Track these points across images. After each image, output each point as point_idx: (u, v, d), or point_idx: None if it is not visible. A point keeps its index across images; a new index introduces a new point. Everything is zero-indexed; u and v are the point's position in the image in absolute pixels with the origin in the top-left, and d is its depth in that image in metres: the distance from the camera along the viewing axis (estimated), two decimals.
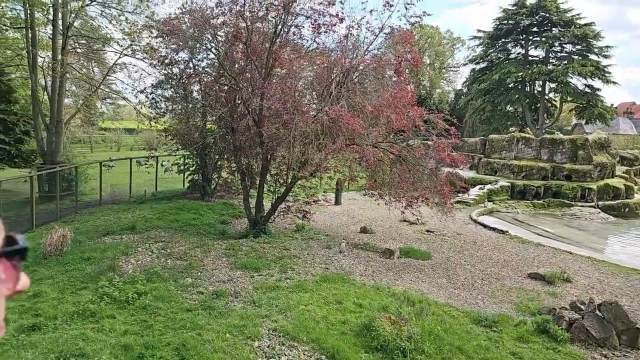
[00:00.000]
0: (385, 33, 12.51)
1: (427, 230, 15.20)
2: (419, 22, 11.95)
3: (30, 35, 22.45)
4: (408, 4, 12.12)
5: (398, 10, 12.02)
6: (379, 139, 12.71)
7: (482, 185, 25.12)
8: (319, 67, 13.37)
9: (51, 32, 23.28)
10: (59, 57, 22.02)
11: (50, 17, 22.97)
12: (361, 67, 11.49)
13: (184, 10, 18.88)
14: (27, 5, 21.58)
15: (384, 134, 12.97)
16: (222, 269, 10.25)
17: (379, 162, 12.59)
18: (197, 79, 18.86)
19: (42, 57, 24.76)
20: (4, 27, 25.68)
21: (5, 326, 0.97)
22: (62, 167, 18.73)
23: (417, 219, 15.78)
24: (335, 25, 13.01)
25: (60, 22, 22.77)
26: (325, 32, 13.27)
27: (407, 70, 13.32)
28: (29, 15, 22.15)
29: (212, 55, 19.12)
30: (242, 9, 13.53)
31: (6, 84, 25.16)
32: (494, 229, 16.31)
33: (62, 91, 22.74)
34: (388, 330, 7.24)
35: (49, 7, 22.67)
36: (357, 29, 12.33)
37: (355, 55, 12.19)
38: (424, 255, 12.22)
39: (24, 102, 27.53)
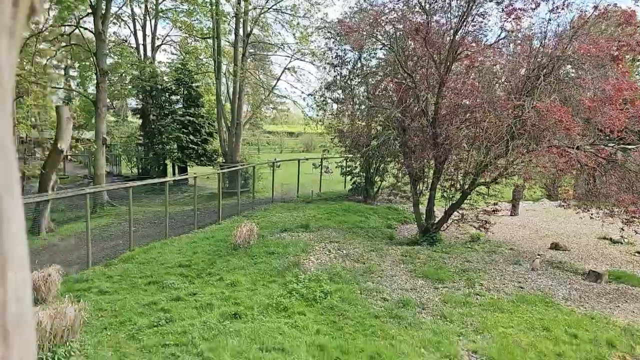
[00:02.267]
0: (596, 15, 10.61)
1: (638, 252, 12.61)
2: None
3: (215, 44, 25.02)
4: None
5: None
6: (582, 140, 10.83)
7: None
8: (511, 58, 11.98)
9: (233, 40, 25.66)
10: (239, 63, 24.08)
11: (233, 26, 25.33)
12: (571, 54, 9.78)
13: (355, 9, 19.06)
14: (214, 17, 23.99)
15: (588, 134, 11.05)
16: (402, 276, 9.69)
17: (582, 168, 10.76)
18: (364, 80, 18.80)
19: (224, 64, 27.49)
20: (193, 39, 29.22)
21: None
22: (242, 166, 20.33)
23: (622, 237, 13.28)
24: (533, 9, 11.53)
25: (241, 30, 24.92)
26: (518, 17, 11.86)
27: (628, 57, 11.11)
28: (214, 26, 24.68)
29: (380, 55, 19.00)
30: (421, 1, 12.87)
31: (195, 90, 28.52)
32: None
33: (241, 95, 24.86)
34: None
35: (232, 17, 24.99)
36: (563, 10, 10.62)
37: (560, 42, 10.54)
38: None
39: (208, 107, 30.96)
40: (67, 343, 5.82)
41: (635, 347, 6.54)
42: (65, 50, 27.69)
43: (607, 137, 10.98)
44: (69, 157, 43.06)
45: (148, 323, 7.01)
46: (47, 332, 5.54)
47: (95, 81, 22.21)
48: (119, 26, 49.54)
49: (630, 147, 10.42)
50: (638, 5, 9.99)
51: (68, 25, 23.56)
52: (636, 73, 53.62)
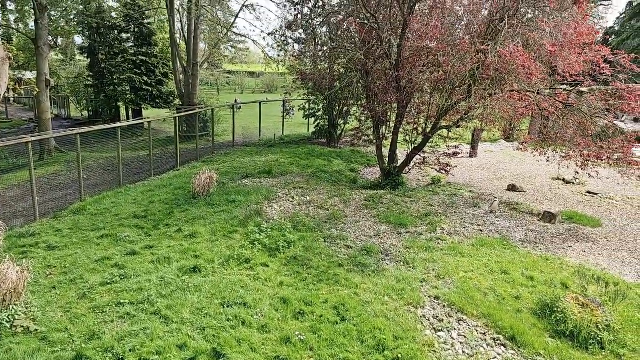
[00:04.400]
0: None
1: (589, 192, 13.09)
2: None
3: None
4: None
5: None
6: (540, 85, 10.80)
7: None
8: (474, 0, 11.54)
9: None
10: None
11: None
12: None
13: None
14: None
15: (548, 79, 11.03)
16: (366, 222, 9.66)
17: (541, 112, 10.80)
18: (327, 19, 17.90)
19: (178, 0, 25.55)
20: None
21: None
22: (200, 109, 19.44)
23: (575, 178, 13.72)
24: None
25: None
26: None
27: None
28: None
29: None
30: None
31: (147, 28, 26.61)
32: None
33: (197, 34, 23.35)
34: (577, 314, 6.08)
35: None
36: None
37: None
38: (592, 221, 10.45)
39: (162, 45, 29.09)
40: (10, 307, 5.45)
41: (587, 287, 6.81)
42: None
43: (563, 81, 10.99)
44: (11, 100, 40.09)
45: (101, 280, 6.67)
46: None
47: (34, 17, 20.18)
48: None
49: (584, 90, 10.47)
50: None
51: None
52: (591, 16, 54.08)
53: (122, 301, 6.06)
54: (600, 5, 54.05)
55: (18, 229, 8.98)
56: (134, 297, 6.19)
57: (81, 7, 25.20)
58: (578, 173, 10.50)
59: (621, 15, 45.08)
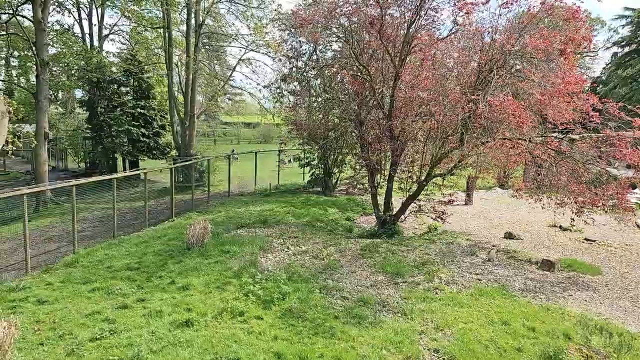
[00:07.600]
0: (544, 10, 10.76)
1: (586, 239, 13.04)
2: None
3: (167, 35, 23.98)
4: None
5: None
6: (532, 133, 11.03)
7: None
8: (463, 52, 11.98)
9: (185, 31, 24.68)
10: (192, 54, 23.17)
11: (185, 16, 24.35)
12: (521, 48, 9.88)
13: (310, 1, 18.64)
14: (164, 7, 22.96)
15: (539, 127, 11.27)
16: (362, 272, 9.52)
17: (534, 160, 10.95)
18: (321, 72, 18.47)
19: (176, 55, 26.43)
20: (144, 29, 27.89)
21: None
22: (196, 160, 19.62)
23: (572, 225, 13.70)
24: (484, 4, 11.58)
25: (193, 21, 23.99)
26: (468, 13, 11.89)
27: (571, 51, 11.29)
28: (165, 16, 23.63)
29: (335, 47, 18.70)
30: None
31: (146, 82, 27.32)
32: None
33: (194, 87, 23.97)
34: None
35: (184, 7, 24.02)
36: (512, 5, 10.74)
37: (511, 37, 10.64)
38: (591, 270, 10.34)
39: (160, 99, 29.75)
40: None
41: (590, 338, 6.63)
42: (3, 40, 25.81)
43: (554, 129, 11.22)
44: (9, 153, 40.47)
45: (90, 336, 6.46)
46: None
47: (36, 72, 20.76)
48: (62, 15, 46.89)
49: (575, 138, 10.68)
50: (582, 2, 10.17)
51: (4, 14, 21.99)
52: (578, 66, 56.09)
53: (111, 358, 5.84)
54: (587, 56, 56.15)
55: (8, 283, 8.79)
56: (123, 353, 5.96)
57: (83, 62, 25.95)
58: (574, 220, 10.51)
59: (607, 65, 46.79)
